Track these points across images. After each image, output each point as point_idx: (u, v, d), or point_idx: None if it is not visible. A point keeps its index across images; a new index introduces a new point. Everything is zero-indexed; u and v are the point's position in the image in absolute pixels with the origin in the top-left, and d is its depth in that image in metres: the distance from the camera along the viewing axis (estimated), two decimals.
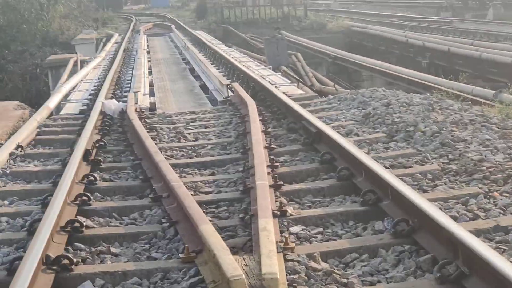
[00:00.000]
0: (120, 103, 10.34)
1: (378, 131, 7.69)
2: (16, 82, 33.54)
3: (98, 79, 14.79)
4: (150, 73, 16.96)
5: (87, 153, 7.18)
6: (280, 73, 14.02)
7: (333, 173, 6.29)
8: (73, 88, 13.76)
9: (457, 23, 31.48)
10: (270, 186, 5.75)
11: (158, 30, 35.65)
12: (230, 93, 11.32)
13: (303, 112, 8.21)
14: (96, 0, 55.79)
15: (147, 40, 27.99)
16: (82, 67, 19.92)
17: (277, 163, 6.62)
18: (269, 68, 14.73)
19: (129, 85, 13.88)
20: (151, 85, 14.83)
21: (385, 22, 33.72)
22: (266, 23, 34.64)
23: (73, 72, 19.16)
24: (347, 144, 6.46)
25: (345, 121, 8.47)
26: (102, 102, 10.13)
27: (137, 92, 11.22)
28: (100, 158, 7.40)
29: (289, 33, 32.08)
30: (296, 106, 8.66)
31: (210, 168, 7.09)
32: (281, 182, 5.96)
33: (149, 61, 19.88)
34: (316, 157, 6.90)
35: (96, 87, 13.13)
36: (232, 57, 16.31)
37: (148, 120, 9.52)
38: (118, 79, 14.24)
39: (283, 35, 28.98)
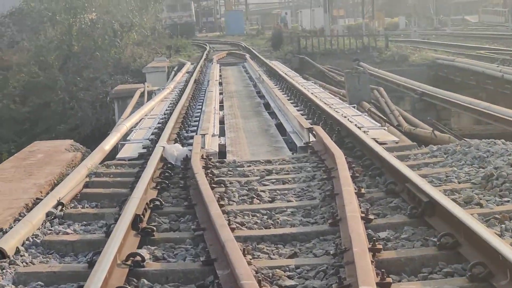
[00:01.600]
0: (184, 148, 8.90)
1: (509, 201, 5.99)
2: (86, 110, 32.83)
3: (164, 114, 13.44)
4: (221, 107, 15.58)
5: (137, 219, 5.72)
6: (366, 114, 12.38)
7: (459, 265, 4.66)
8: (135, 125, 12.43)
9: None
10: (377, 284, 4.18)
11: (232, 59, 34.47)
12: (311, 137, 9.75)
13: (405, 170, 6.59)
14: (170, 27, 55.33)
15: (220, 69, 26.78)
16: (149, 98, 18.73)
17: (379, 244, 5.02)
18: (353, 107, 13.11)
19: (197, 122, 12.48)
20: (221, 121, 13.43)
21: (471, 55, 31.69)
22: (344, 54, 33.00)
23: (139, 103, 17.96)
24: (476, 224, 4.81)
25: (459, 183, 6.80)
26: (164, 147, 8.70)
27: (204, 134, 9.75)
28: (152, 225, 5.93)
29: (369, 65, 30.42)
30: (394, 161, 7.05)
31: (290, 243, 5.55)
32: (390, 280, 4.37)
33: (220, 93, 18.56)
34: (430, 237, 5.27)
35: (160, 125, 11.76)
36: (312, 93, 14.78)
37: (215, 171, 8.04)
38: (186, 115, 12.86)
39: (364, 68, 27.36)
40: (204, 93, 17.94)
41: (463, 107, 17.40)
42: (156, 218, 6.22)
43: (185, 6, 61.50)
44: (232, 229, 5.57)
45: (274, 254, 5.30)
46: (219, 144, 10.68)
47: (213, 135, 10.80)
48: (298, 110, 12.59)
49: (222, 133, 12.01)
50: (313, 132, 9.72)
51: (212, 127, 11.19)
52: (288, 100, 14.51)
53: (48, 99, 35.59)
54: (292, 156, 9.04)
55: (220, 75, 24.73)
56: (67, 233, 6.03)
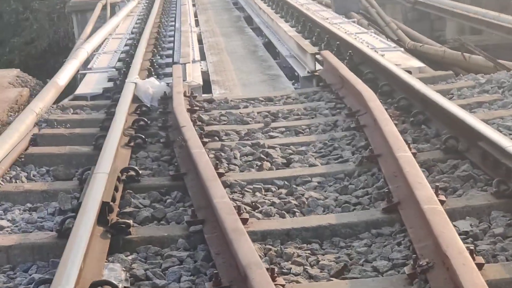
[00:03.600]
0: (162, 83, 7.01)
1: None
2: (43, 22, 30.28)
3: (132, 34, 11.43)
4: (196, 22, 13.55)
5: (105, 209, 3.90)
6: (372, 32, 10.46)
7: None
8: (98, 48, 10.43)
9: None
10: None
11: None
12: (317, 65, 7.90)
13: (469, 118, 4.79)
14: None
15: None
16: (113, 12, 16.56)
17: (478, 256, 3.27)
18: (354, 22, 11.18)
19: (171, 44, 10.49)
20: (199, 40, 11.46)
21: None
22: None
23: (102, 18, 15.79)
24: None
25: None
26: (136, 83, 6.79)
27: (185, 63, 7.81)
28: (127, 213, 4.13)
29: None
30: (446, 103, 5.24)
31: (330, 243, 3.80)
32: None
33: (193, 5, 16.43)
34: None
35: (128, 48, 9.79)
36: (301, 4, 12.78)
37: (204, 117, 6.18)
38: (158, 35, 10.83)
39: None
40: (175, 5, 15.81)
41: (464, 16, 15.55)
42: (132, 200, 4.39)
43: None
44: (244, 221, 3.80)
45: (313, 267, 3.53)
46: (201, 71, 8.80)
47: (194, 61, 8.88)
48: (291, 27, 10.64)
49: (202, 56, 10.09)
50: (320, 57, 7.85)
51: (191, 51, 9.24)
52: (275, 13, 12.52)
53: (0, 10, 32.93)
54: (299, 92, 7.16)
55: None
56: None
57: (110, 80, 8.05)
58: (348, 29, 10.28)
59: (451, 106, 5.16)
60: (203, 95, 7.78)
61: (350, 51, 7.84)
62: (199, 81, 7.83)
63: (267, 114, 6.26)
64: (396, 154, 4.29)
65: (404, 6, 18.80)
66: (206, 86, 8.42)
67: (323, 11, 12.86)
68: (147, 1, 16.11)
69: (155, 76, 7.81)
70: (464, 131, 4.76)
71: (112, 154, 4.72)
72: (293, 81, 8.33)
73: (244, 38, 11.61)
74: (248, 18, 14.01)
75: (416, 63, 7.88)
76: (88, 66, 9.01)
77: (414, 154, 4.52)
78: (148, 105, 6.61)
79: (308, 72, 7.91)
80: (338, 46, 8.41)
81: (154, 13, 12.99)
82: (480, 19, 14.15)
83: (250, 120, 6.07)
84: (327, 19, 11.39)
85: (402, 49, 8.84)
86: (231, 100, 6.85)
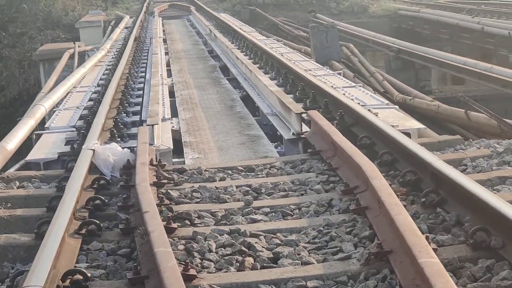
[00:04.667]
0: (125, 150, 6.02)
1: None
2: (13, 70, 29.32)
3: (98, 86, 10.49)
4: (168, 72, 12.64)
5: None
6: (361, 85, 9.58)
7: None
8: (59, 103, 9.46)
9: None
10: None
11: (175, 12, 31.26)
12: (304, 126, 6.97)
13: (500, 205, 3.86)
14: None
15: (162, 24, 23.63)
16: (82, 61, 15.65)
17: None
18: (340, 75, 10.31)
19: (140, 99, 9.54)
20: (171, 92, 10.55)
21: (431, 5, 29.16)
22: (299, 5, 30.10)
23: (69, 67, 14.87)
24: None
25: None
26: (94, 150, 5.81)
27: (153, 125, 6.83)
28: None
29: (326, 17, 27.63)
30: (468, 183, 4.31)
31: None
32: None
33: (166, 53, 15.56)
34: None
35: (92, 104, 8.84)
36: (281, 54, 11.95)
37: (174, 193, 5.19)
38: (126, 88, 9.89)
39: (324, 20, 24.59)
40: (146, 54, 14.94)
41: (449, 66, 14.79)
42: None
43: None
44: None
45: None
46: (172, 130, 7.85)
47: (164, 119, 7.93)
48: (272, 80, 9.74)
49: (173, 111, 9.16)
50: (307, 118, 6.93)
51: (161, 108, 8.29)
52: (253, 64, 11.64)
53: None
54: (284, 159, 6.19)
55: (164, 31, 21.62)
56: None
57: (68, 142, 7.06)
58: (334, 82, 9.42)
59: (474, 186, 4.23)
60: (174, 159, 6.85)
61: (340, 110, 6.93)
62: (169, 144, 6.87)
63: (248, 189, 5.29)
64: (417, 258, 3.33)
65: (387, 55, 18.06)
66: (178, 146, 7.48)
67: (304, 61, 12.02)
68: (117, 50, 15.20)
69: (119, 139, 6.84)
70: (496, 221, 3.82)
71: (54, 250, 3.75)
72: (276, 143, 7.39)
73: (220, 91, 10.69)
74: (224, 68, 13.14)
75: (415, 123, 6.98)
76: (46, 125, 8.01)
77: (434, 250, 3.57)
78: (108, 177, 5.63)
79: (293, 134, 6.97)
80: (326, 103, 7.51)
81: (123, 62, 12.08)
82: (468, 69, 13.36)
83: (228, 198, 5.08)
84: (310, 70, 10.54)
85: (396, 106, 7.94)
86: (206, 170, 5.87)
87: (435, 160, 4.86)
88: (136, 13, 28.34)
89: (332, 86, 8.75)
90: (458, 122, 9.43)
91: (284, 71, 10.04)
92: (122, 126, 7.42)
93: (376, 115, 6.89)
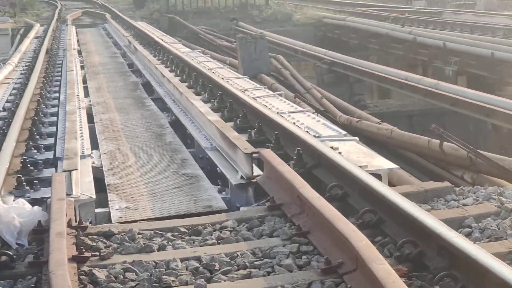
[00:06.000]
0: (35, 209, 4.72)
1: None
2: None
3: (3, 111, 9.06)
4: (85, 90, 11.27)
5: None
6: (308, 110, 8.46)
7: None
8: None
9: (448, 14, 26.41)
10: None
11: (90, 20, 29.65)
12: (255, 168, 5.79)
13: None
14: None
15: (76, 33, 22.08)
16: None
17: None
18: (282, 96, 9.18)
19: (54, 128, 8.16)
20: (89, 115, 9.23)
21: (354, 13, 28.51)
22: (220, 13, 28.93)
23: None
24: None
25: None
26: None
27: (71, 170, 5.51)
28: None
29: (249, 25, 26.59)
30: (493, 263, 3.24)
31: None
32: None
33: (82, 66, 14.15)
34: None
35: None
36: (212, 71, 10.76)
37: (100, 275, 3.92)
38: (36, 114, 8.50)
39: (248, 29, 23.56)
40: (60, 69, 13.48)
41: (390, 81, 13.90)
42: None
43: None
44: None
45: None
46: (93, 167, 6.57)
47: (83, 156, 6.62)
48: (206, 104, 8.53)
49: (93, 140, 7.85)
50: (258, 159, 5.76)
51: (80, 142, 6.97)
52: (182, 82, 10.41)
53: None
54: (237, 217, 4.96)
55: (78, 41, 20.11)
56: None
57: None
58: (277, 106, 8.28)
59: (504, 270, 3.15)
60: (97, 210, 5.57)
61: (298, 149, 5.79)
62: (91, 192, 5.58)
63: (197, 264, 4.07)
64: None
65: (319, 67, 17.08)
66: (101, 187, 6.22)
67: (238, 78, 10.84)
68: (26, 65, 13.70)
69: (27, 187, 5.51)
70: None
71: None
72: (219, 186, 6.18)
73: (146, 115, 9.41)
74: (147, 85, 11.85)
75: (384, 162, 5.89)
76: None
77: None
78: (13, 247, 4.34)
79: (241, 177, 5.78)
80: (277, 137, 6.36)
81: (33, 80, 10.66)
82: (412, 85, 12.48)
83: (173, 281, 3.86)
84: (247, 90, 9.39)
85: (356, 138, 6.85)
86: (139, 233, 4.63)
87: (439, 226, 3.77)
88: (48, 21, 26.63)
89: (278, 113, 7.60)
90: (415, 150, 8.45)
91: (219, 92, 8.85)
92: (32, 168, 6.07)
93: (340, 153, 5.82)
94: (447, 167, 7.81)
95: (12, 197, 5.29)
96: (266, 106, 8.05)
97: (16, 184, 5.47)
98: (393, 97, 17.72)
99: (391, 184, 5.90)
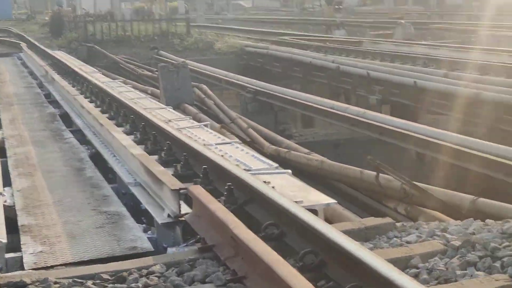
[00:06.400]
0: None
1: None
2: None
3: None
4: None
5: None
6: (236, 142, 8.08)
7: None
8: None
9: (368, 44, 26.61)
10: None
11: (4, 49, 28.65)
12: (183, 205, 5.38)
13: None
14: None
15: None
16: None
17: None
18: (207, 127, 8.81)
19: None
20: (2, 150, 8.67)
21: (275, 41, 28.50)
22: (140, 42, 28.46)
23: None
24: None
25: None
26: None
27: None
28: None
29: (170, 54, 26.23)
30: None
31: None
32: None
33: None
34: None
35: None
36: (134, 102, 10.31)
37: None
38: None
39: (166, 57, 23.20)
40: None
41: (316, 110, 13.73)
42: None
43: None
44: None
45: None
46: (4, 205, 6.07)
47: None
48: (128, 135, 8.08)
49: (5, 177, 7.30)
50: (186, 195, 5.36)
51: None
52: (103, 113, 9.92)
53: None
54: (165, 261, 4.53)
55: None
56: None
57: None
58: (204, 138, 7.92)
59: None
60: (8, 255, 5.06)
61: (229, 184, 5.41)
62: (2, 237, 5.07)
63: None
64: None
65: (243, 96, 16.81)
66: (14, 228, 5.71)
67: (160, 108, 10.44)
68: None
69: None
70: None
71: None
72: (144, 225, 5.74)
73: (64, 148, 8.89)
74: (65, 116, 11.30)
75: (320, 197, 5.57)
76: None
77: None
78: None
79: (168, 215, 5.36)
80: (206, 171, 5.98)
81: None
82: (339, 114, 12.32)
83: None
84: (171, 121, 8.99)
85: (289, 170, 6.53)
86: (56, 282, 4.16)
87: (389, 269, 3.45)
88: None
89: (204, 145, 7.23)
90: (347, 181, 8.19)
91: (142, 123, 8.42)
92: None
93: (270, 185, 5.48)
94: (380, 198, 7.57)
95: None
96: (192, 138, 7.67)
97: None
98: (317, 126, 17.61)
99: (326, 219, 5.61)
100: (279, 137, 11.53)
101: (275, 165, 6.67)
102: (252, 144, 10.74)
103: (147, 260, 4.53)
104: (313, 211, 5.13)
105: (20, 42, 28.86)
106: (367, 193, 7.89)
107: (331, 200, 5.49)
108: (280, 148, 10.17)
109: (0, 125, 10.70)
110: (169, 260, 4.50)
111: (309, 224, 4.24)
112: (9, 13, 59.12)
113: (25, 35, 33.06)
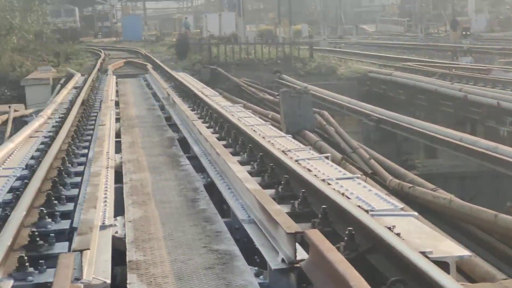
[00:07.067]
0: None
1: None
2: None
3: (24, 169, 8.37)
4: (118, 145, 10.61)
5: None
6: (358, 177, 7.55)
7: None
8: None
9: (497, 72, 25.41)
10: None
11: (131, 70, 29.30)
12: (299, 249, 4.94)
13: None
14: (61, 31, 49.70)
15: (116, 83, 21.67)
16: (21, 126, 13.51)
17: None
18: (328, 159, 8.34)
19: (76, 191, 7.39)
20: (118, 174, 8.51)
21: (399, 67, 27.75)
22: (263, 65, 28.39)
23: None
24: None
25: None
26: None
27: (82, 250, 4.71)
28: None
29: (292, 78, 25.97)
30: None
31: None
32: None
33: (117, 118, 13.57)
34: None
35: (9, 201, 6.70)
36: (258, 133, 9.96)
37: None
38: (59, 175, 7.75)
39: (288, 81, 22.91)
40: (94, 121, 12.86)
41: (444, 142, 13.00)
42: None
43: (69, 12, 59.47)
44: None
45: None
46: (114, 238, 5.81)
47: (103, 227, 5.85)
48: (243, 162, 7.74)
49: (119, 206, 7.09)
50: (304, 239, 4.91)
51: (102, 208, 6.21)
52: (221, 139, 9.65)
53: None
54: None
55: (117, 91, 19.64)
56: None
57: None
58: (323, 171, 7.46)
59: None
60: None
61: (350, 228, 4.93)
62: (106, 274, 4.78)
63: None
64: None
65: (366, 125, 16.24)
66: (122, 260, 5.45)
67: (280, 137, 10.07)
68: (60, 117, 13.10)
69: (31, 269, 4.71)
70: None
71: None
72: (256, 268, 5.32)
73: (180, 176, 8.64)
74: (183, 141, 11.11)
75: (453, 247, 4.98)
76: None
77: None
78: None
79: (282, 260, 4.93)
80: (324, 211, 5.52)
81: (62, 135, 9.99)
82: (468, 148, 11.58)
83: None
84: (290, 151, 8.59)
85: (415, 213, 5.96)
86: None
87: None
88: (89, 70, 26.33)
89: (324, 180, 6.77)
90: (479, 224, 7.51)
91: (260, 154, 8.05)
92: (41, 242, 5.28)
93: (393, 231, 4.95)
94: None
95: (11, 282, 4.52)
96: (311, 171, 7.23)
97: (17, 266, 4.67)
98: (441, 156, 16.83)
99: (459, 271, 5.03)
100: (402, 170, 10.91)
101: (400, 205, 6.12)
102: (373, 176, 10.19)
103: None
104: (444, 263, 4.58)
105: (147, 63, 29.42)
106: (502, 239, 7.19)
107: (465, 252, 4.90)
108: (403, 183, 9.57)
109: (120, 148, 10.63)
110: None
111: (441, 285, 3.70)
112: (140, 35, 61.02)
113: (151, 56, 33.75)
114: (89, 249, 4.65)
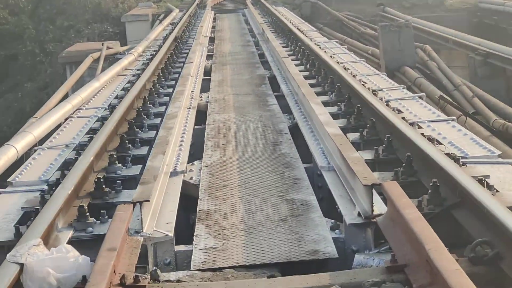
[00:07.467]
0: (79, 259, 3.64)
1: None
2: (57, 66, 27.43)
3: (107, 109, 8.18)
4: (206, 82, 10.32)
5: None
6: (453, 121, 6.91)
7: None
8: (49, 134, 7.19)
9: None
10: None
11: (230, 5, 28.84)
12: (379, 203, 4.48)
13: None
14: None
15: (214, 18, 21.36)
16: (112, 63, 13.42)
17: None
18: (422, 100, 7.73)
19: (153, 133, 7.13)
20: (202, 114, 8.24)
21: None
22: None
23: (88, 76, 12.67)
24: None
25: None
26: (22, 265, 3.47)
27: (142, 202, 4.38)
28: None
29: (396, 11, 24.91)
30: None
31: None
32: None
33: (210, 55, 13.27)
34: None
35: (87, 140, 6.51)
36: (350, 72, 9.41)
37: None
38: (137, 116, 7.52)
39: (400, 18, 21.94)
40: (185, 59, 12.57)
41: None
42: None
43: None
44: None
45: None
46: (187, 183, 5.56)
47: (175, 173, 5.56)
48: (330, 103, 7.27)
49: (200, 148, 6.82)
50: (384, 194, 4.44)
51: (176, 153, 5.92)
52: (309, 78, 9.18)
53: (16, 51, 30.18)
54: (344, 279, 3.65)
55: (213, 27, 19.34)
56: None
57: (25, 215, 4.76)
58: (415, 113, 6.90)
59: None
60: (178, 248, 4.47)
61: (435, 180, 4.41)
62: (170, 227, 4.48)
63: None
64: None
65: (473, 59, 15.28)
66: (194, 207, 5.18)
67: (373, 75, 9.49)
68: (151, 54, 12.89)
69: (92, 219, 4.46)
70: None
71: None
72: (333, 221, 4.88)
73: (265, 117, 8.25)
74: (274, 80, 10.67)
75: None
76: (10, 179, 5.69)
77: None
78: None
79: (358, 214, 4.49)
80: (409, 159, 5.02)
81: (148, 73, 9.76)
82: None
83: None
84: (381, 90, 8.04)
85: None
86: None
87: None
88: (188, 6, 26.09)
89: (415, 122, 6.23)
90: None
91: (348, 94, 7.53)
92: (108, 190, 5.02)
93: (485, 182, 4.41)
94: None
95: (71, 232, 4.29)
96: (402, 112, 6.69)
97: (77, 215, 4.43)
98: None
99: None
100: (509, 109, 10.12)
101: (497, 152, 5.53)
102: (474, 117, 9.49)
103: (322, 279, 3.69)
104: None
105: None
106: None
107: None
108: (509, 123, 8.83)
109: (209, 86, 10.33)
110: (348, 280, 3.64)
111: None
112: None
113: None
114: (148, 200, 4.33)
